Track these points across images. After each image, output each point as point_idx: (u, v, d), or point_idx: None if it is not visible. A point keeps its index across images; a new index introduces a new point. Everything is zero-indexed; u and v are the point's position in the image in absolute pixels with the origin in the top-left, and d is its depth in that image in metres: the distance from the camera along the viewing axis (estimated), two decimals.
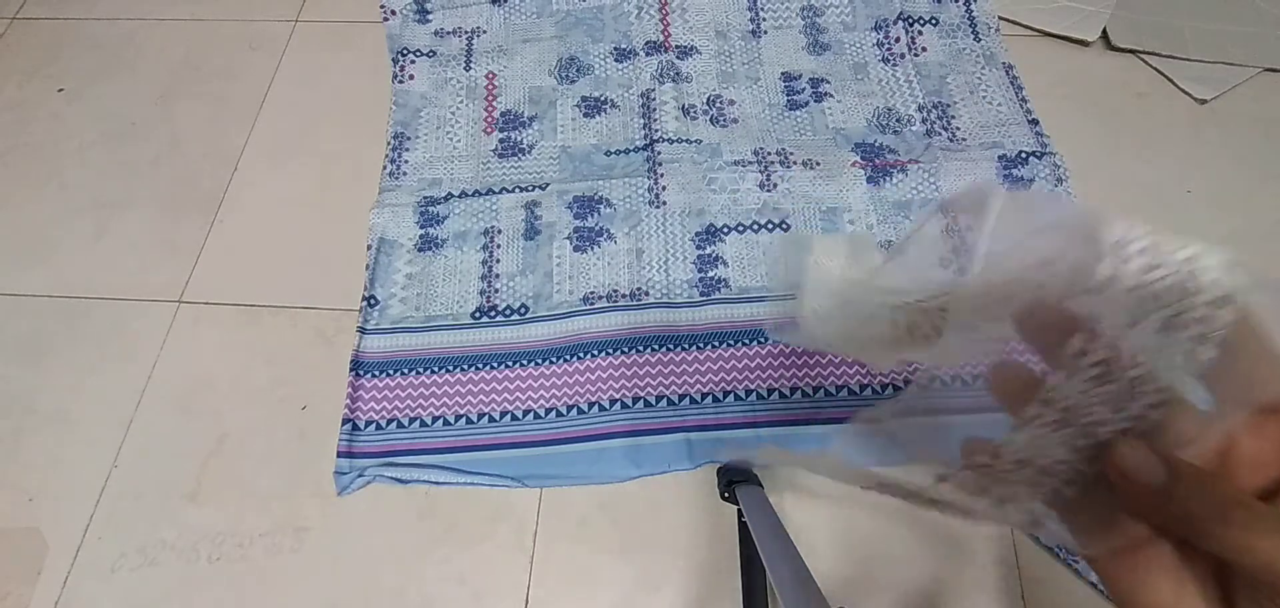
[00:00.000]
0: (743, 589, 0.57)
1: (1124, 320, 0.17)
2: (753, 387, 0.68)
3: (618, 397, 0.69)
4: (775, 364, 0.69)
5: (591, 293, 0.74)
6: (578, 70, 0.91)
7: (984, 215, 0.20)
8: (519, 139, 0.86)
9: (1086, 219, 0.18)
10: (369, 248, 0.78)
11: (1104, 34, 0.91)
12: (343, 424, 0.68)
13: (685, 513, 0.64)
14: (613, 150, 0.84)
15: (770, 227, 0.78)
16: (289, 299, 0.76)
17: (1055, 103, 0.85)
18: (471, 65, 0.93)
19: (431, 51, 0.94)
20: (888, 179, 0.80)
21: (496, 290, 0.76)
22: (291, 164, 0.87)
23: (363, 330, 0.73)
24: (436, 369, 0.71)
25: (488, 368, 0.71)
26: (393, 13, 0.97)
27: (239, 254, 0.80)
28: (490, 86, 0.91)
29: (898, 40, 0.91)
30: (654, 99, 0.87)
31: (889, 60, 0.90)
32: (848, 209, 0.78)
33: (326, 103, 0.92)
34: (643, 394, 0.69)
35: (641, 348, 0.71)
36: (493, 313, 0.74)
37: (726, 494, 0.61)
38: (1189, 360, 0.17)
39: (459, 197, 0.82)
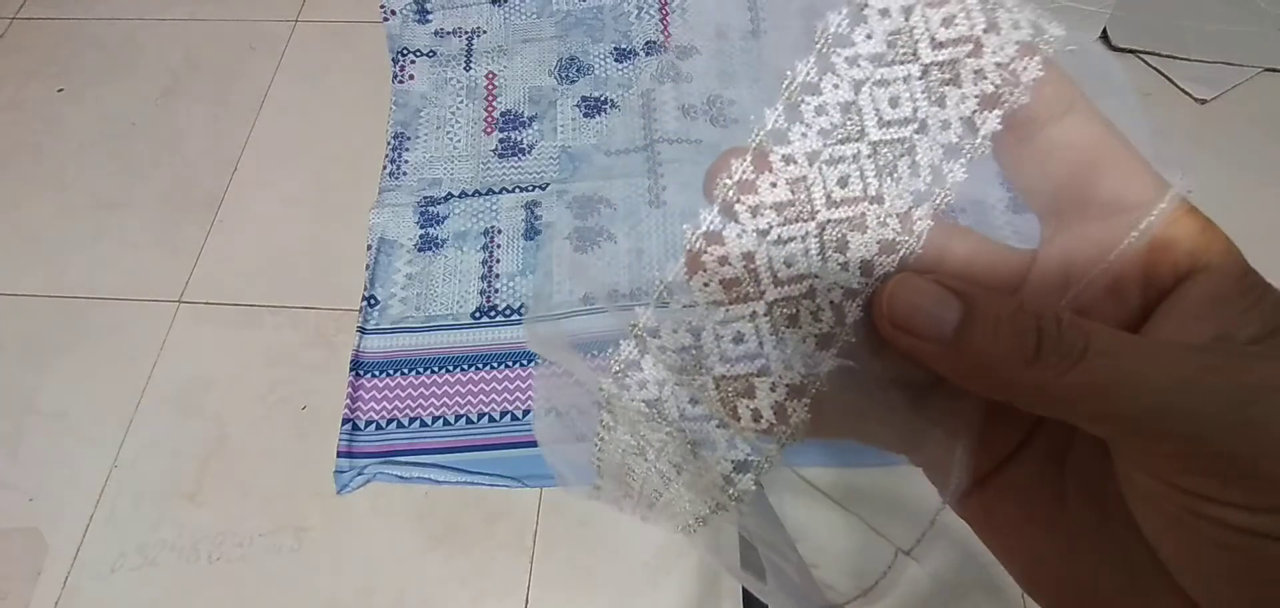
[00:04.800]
0: (742, 589, 0.57)
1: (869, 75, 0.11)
2: None
3: None
4: None
5: (591, 293, 0.74)
6: (578, 70, 0.91)
7: None
8: (519, 139, 0.86)
9: None
10: (369, 248, 0.78)
11: (1104, 34, 0.91)
12: (342, 424, 0.68)
13: None
14: (613, 150, 0.84)
15: None
16: (289, 299, 0.76)
17: None
18: (471, 65, 0.93)
19: (431, 51, 0.94)
20: None
21: (496, 290, 0.76)
22: (291, 164, 0.86)
23: (363, 330, 0.73)
24: (436, 369, 0.71)
25: (488, 368, 0.71)
26: (393, 13, 0.97)
27: (239, 254, 0.80)
28: (490, 86, 0.91)
29: None
30: (654, 99, 0.87)
31: None
32: None
33: (326, 103, 0.92)
34: None
35: None
36: (493, 313, 0.74)
37: None
38: (968, 135, 0.11)
39: (459, 197, 0.82)
